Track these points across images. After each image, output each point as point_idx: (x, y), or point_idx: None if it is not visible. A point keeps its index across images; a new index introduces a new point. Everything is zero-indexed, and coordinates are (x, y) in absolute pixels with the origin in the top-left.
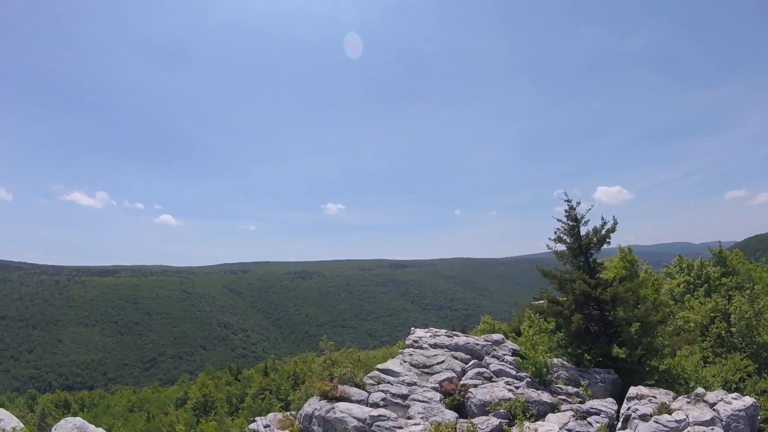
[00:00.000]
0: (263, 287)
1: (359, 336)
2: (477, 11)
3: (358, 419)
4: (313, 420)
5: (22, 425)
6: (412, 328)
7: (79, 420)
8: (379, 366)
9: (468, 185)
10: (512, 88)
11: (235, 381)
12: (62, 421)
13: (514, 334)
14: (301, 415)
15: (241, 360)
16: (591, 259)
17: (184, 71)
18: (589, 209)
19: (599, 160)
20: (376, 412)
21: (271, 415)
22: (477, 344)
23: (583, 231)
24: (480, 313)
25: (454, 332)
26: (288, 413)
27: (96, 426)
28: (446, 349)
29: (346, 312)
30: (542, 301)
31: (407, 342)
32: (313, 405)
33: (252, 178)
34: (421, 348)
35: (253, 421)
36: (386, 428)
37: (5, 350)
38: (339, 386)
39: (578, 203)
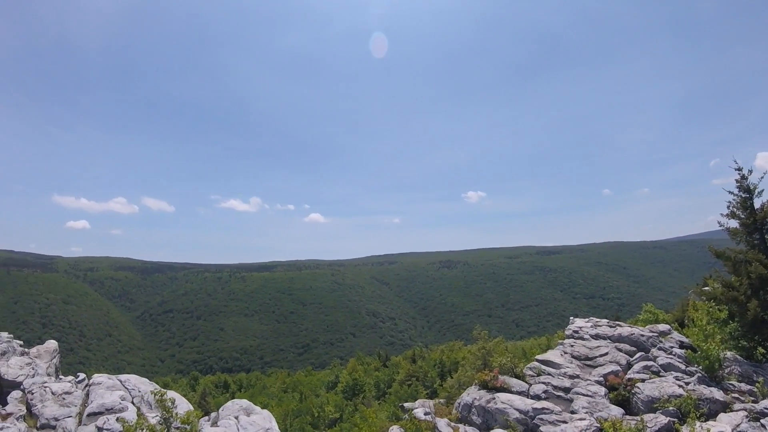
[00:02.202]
0: (409, 277)
1: (506, 326)
2: None
3: (520, 411)
4: (473, 410)
5: (192, 408)
6: (571, 318)
7: (245, 402)
8: (539, 357)
9: (616, 161)
10: (653, 48)
11: (383, 367)
12: (229, 403)
13: (676, 324)
14: (459, 404)
15: (389, 347)
16: (767, 237)
17: (315, 80)
18: (762, 177)
19: (759, 122)
20: (539, 404)
21: (419, 402)
22: (642, 335)
23: (757, 204)
24: (635, 303)
25: (617, 322)
26: (437, 401)
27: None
28: (609, 341)
29: (492, 301)
30: (708, 288)
31: (567, 332)
32: (473, 394)
33: (392, 173)
34: (582, 339)
35: (401, 406)
36: (549, 422)
37: (172, 338)
38: (499, 376)
39: (750, 171)
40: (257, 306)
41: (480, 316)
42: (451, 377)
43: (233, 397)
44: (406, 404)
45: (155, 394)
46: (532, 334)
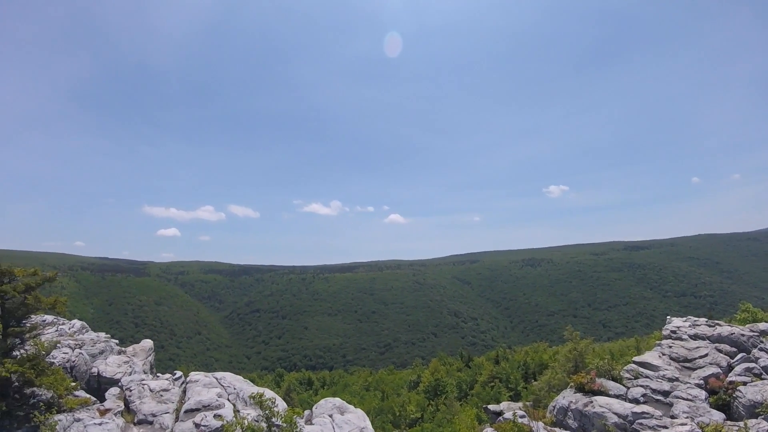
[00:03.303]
0: (492, 276)
1: (592, 327)
2: None
3: (619, 415)
4: (569, 413)
5: (286, 406)
6: (668, 317)
7: (338, 400)
8: (636, 358)
9: (703, 146)
10: (731, 21)
11: (466, 368)
12: (322, 401)
13: None
14: (554, 407)
15: (471, 347)
16: None
17: (385, 83)
18: None
19: None
20: (638, 408)
21: (504, 404)
22: (742, 335)
23: None
24: (728, 301)
25: (716, 321)
26: (525, 403)
27: None
28: (708, 341)
29: (578, 301)
30: None
31: (664, 332)
32: (568, 397)
33: (470, 171)
34: (680, 339)
35: (485, 408)
36: (649, 427)
37: (258, 336)
38: (596, 379)
39: None
40: (340, 306)
41: (565, 316)
42: (536, 380)
43: (317, 394)
44: (490, 406)
45: (254, 397)
46: (620, 336)
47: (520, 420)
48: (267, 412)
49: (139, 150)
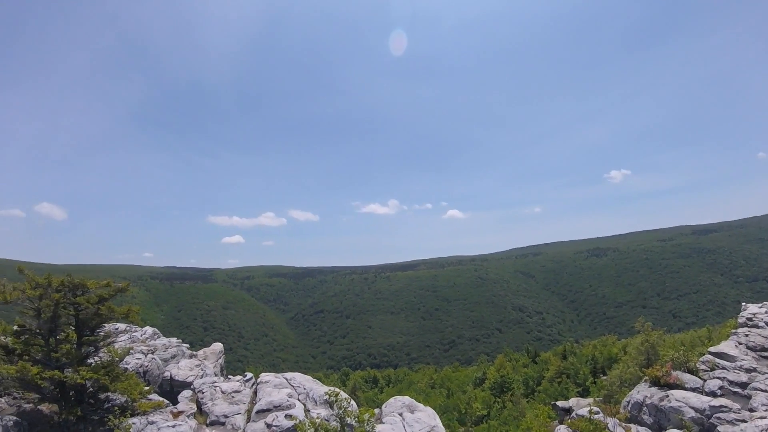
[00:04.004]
0: (556, 269)
1: (662, 317)
2: None
3: (696, 409)
4: (644, 408)
5: (356, 406)
6: (743, 304)
7: (407, 398)
8: (712, 349)
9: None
10: None
11: (533, 363)
12: (391, 399)
13: None
14: (628, 402)
15: (537, 343)
16: None
17: (433, 79)
18: None
19: None
20: (715, 402)
21: (573, 400)
22: None
23: None
24: None
25: None
26: (596, 399)
27: None
28: None
29: (647, 290)
30: None
31: (739, 320)
32: (643, 392)
33: (527, 161)
34: (756, 327)
35: (554, 405)
36: (727, 421)
37: (323, 336)
38: (671, 372)
39: None
40: (403, 304)
41: (633, 307)
42: (604, 375)
43: (382, 392)
44: (558, 402)
45: (328, 396)
46: (691, 326)
47: (593, 416)
48: (341, 411)
49: (199, 163)
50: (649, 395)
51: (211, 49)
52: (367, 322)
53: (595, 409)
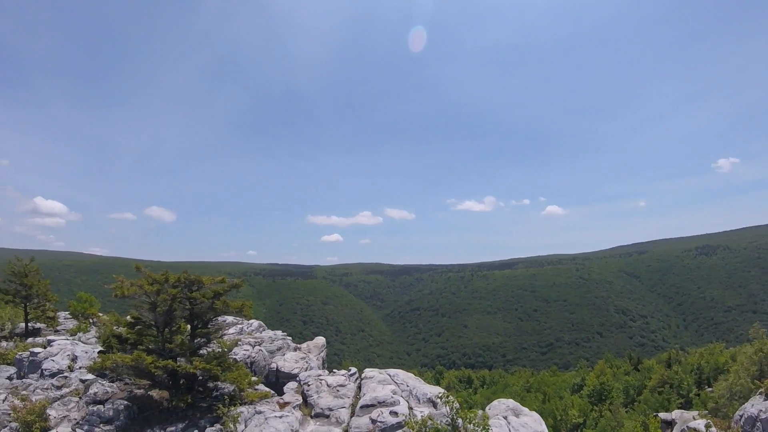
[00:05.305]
0: (662, 268)
1: None
2: None
3: None
4: (758, 424)
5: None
6: None
7: (511, 402)
8: None
9: None
10: None
11: (634, 371)
12: (495, 402)
13: None
14: (740, 416)
15: (639, 349)
16: None
17: (524, 69)
18: None
19: None
20: None
21: (677, 413)
22: None
23: None
24: None
25: None
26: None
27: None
28: None
29: (758, 293)
30: None
31: None
32: (757, 405)
33: (628, 151)
34: None
35: (656, 415)
36: None
37: (418, 334)
38: None
39: None
40: (500, 304)
41: (743, 312)
42: (709, 386)
43: (476, 393)
44: (660, 414)
45: (441, 397)
46: None
47: (703, 428)
48: (453, 413)
49: (298, 166)
50: (764, 409)
51: (302, 56)
52: (463, 321)
53: (707, 422)
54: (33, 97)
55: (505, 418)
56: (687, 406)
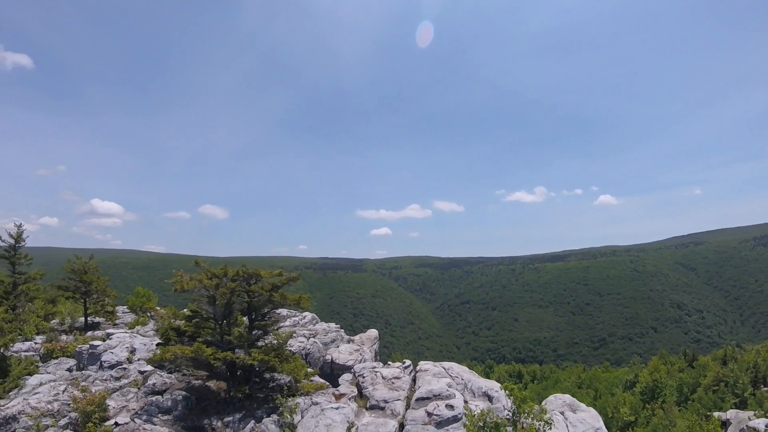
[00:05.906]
0: (719, 260)
1: None
2: None
3: None
4: None
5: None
6: None
7: (567, 397)
8: None
9: None
10: None
11: (689, 368)
12: (551, 397)
13: None
14: None
15: (695, 345)
16: None
17: (570, 55)
18: None
19: None
20: None
21: (731, 413)
22: None
23: None
24: None
25: None
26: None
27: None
28: None
29: None
30: None
31: None
32: None
33: (683, 136)
34: None
35: (707, 415)
36: None
37: (468, 327)
38: None
39: None
40: (551, 297)
41: None
42: (765, 385)
43: (526, 388)
44: (715, 414)
45: (506, 388)
46: None
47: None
48: (517, 408)
49: (345, 161)
50: None
51: (345, 52)
52: (514, 315)
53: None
54: (86, 107)
55: (562, 413)
56: (742, 405)
